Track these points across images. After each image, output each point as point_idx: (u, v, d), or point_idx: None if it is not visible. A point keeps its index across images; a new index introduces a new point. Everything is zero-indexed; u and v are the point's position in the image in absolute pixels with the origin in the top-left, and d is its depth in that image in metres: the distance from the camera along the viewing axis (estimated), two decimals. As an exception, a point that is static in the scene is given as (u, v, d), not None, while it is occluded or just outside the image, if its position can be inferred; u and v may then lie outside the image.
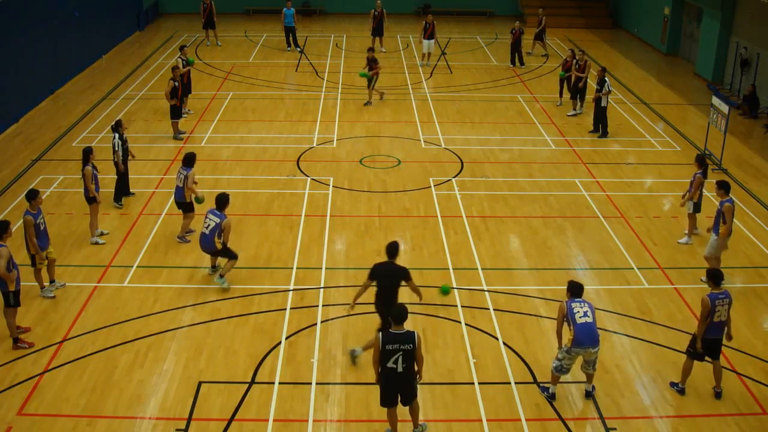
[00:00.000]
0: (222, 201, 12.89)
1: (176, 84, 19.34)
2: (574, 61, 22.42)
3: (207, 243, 12.92)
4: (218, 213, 12.79)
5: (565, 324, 10.12)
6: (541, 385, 10.72)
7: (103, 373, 10.92)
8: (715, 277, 10.30)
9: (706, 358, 10.51)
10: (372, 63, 22.60)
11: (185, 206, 14.65)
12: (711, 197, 16.52)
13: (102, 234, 14.79)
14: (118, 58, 28.62)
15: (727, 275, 13.22)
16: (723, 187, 13.18)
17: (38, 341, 11.61)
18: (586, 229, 15.45)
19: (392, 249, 10.77)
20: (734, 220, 13.74)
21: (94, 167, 14.54)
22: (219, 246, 12.89)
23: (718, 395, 10.59)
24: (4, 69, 20.97)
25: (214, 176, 17.75)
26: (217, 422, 9.99)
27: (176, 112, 19.82)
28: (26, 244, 12.53)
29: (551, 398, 10.47)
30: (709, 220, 15.62)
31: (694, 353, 10.46)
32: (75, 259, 14.04)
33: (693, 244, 14.90)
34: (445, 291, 11.51)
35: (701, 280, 13.50)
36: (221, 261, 13.31)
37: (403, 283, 10.71)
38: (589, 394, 10.55)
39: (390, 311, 9.39)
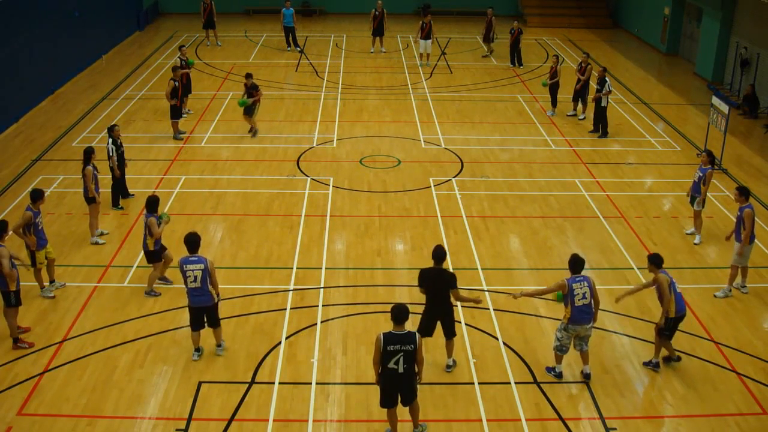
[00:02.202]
0: (194, 242, 10.96)
1: (176, 84, 19.35)
2: (558, 67, 22.27)
3: (204, 296, 10.92)
4: (195, 259, 10.85)
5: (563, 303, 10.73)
6: (547, 367, 11.09)
7: (103, 373, 10.92)
8: (656, 260, 10.89)
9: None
10: (252, 90, 19.89)
11: (149, 255, 12.87)
12: (710, 197, 16.55)
13: (102, 234, 14.79)
14: (118, 58, 28.61)
15: (726, 275, 13.29)
16: (743, 193, 12.95)
17: (38, 341, 11.61)
18: (586, 229, 15.44)
19: (440, 253, 10.60)
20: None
21: (95, 168, 14.55)
22: (216, 298, 11.03)
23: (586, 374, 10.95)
24: (4, 69, 20.96)
25: (214, 176, 17.75)
26: (217, 422, 9.99)
27: (176, 112, 19.82)
28: (26, 244, 12.54)
29: (559, 377, 10.89)
30: (710, 221, 15.64)
31: (669, 334, 10.94)
32: (75, 259, 14.04)
33: (691, 244, 14.90)
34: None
35: (728, 292, 13.23)
36: (215, 336, 11.46)
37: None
38: (587, 376, 10.87)
39: (392, 312, 9.29)
